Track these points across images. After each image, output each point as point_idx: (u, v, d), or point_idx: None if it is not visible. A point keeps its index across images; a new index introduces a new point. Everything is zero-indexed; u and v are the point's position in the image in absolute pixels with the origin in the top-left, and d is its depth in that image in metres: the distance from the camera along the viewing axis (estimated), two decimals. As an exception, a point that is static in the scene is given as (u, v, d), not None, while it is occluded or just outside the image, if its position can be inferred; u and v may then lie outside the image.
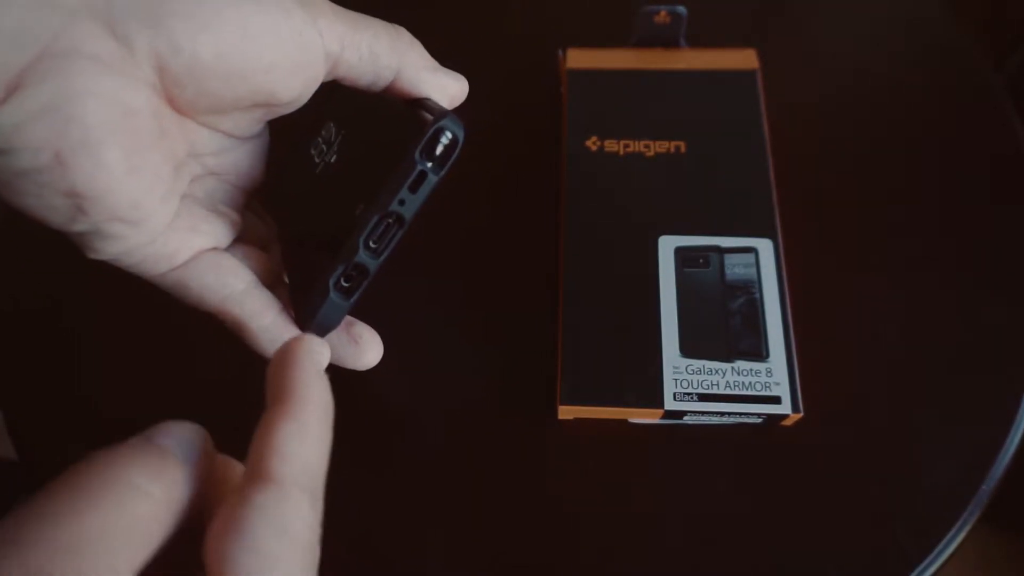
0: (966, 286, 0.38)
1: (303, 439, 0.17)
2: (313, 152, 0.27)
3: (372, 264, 0.25)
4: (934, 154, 0.42)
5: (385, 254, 0.25)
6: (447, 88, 0.26)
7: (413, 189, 0.24)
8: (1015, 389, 0.35)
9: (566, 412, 0.34)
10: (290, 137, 0.29)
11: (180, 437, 0.17)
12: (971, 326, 0.37)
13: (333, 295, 0.25)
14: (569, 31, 0.44)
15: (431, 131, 0.23)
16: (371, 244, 0.24)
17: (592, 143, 0.39)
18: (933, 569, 0.32)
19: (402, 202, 0.24)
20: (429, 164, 0.24)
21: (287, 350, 0.18)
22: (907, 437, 0.34)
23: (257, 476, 0.16)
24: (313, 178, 0.27)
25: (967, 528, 0.32)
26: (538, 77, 0.44)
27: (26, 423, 0.37)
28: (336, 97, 0.27)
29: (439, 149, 0.23)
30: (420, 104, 0.25)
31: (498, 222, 0.40)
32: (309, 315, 0.26)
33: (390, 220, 0.24)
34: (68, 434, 0.36)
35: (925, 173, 0.41)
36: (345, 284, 0.25)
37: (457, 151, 0.24)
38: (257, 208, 0.30)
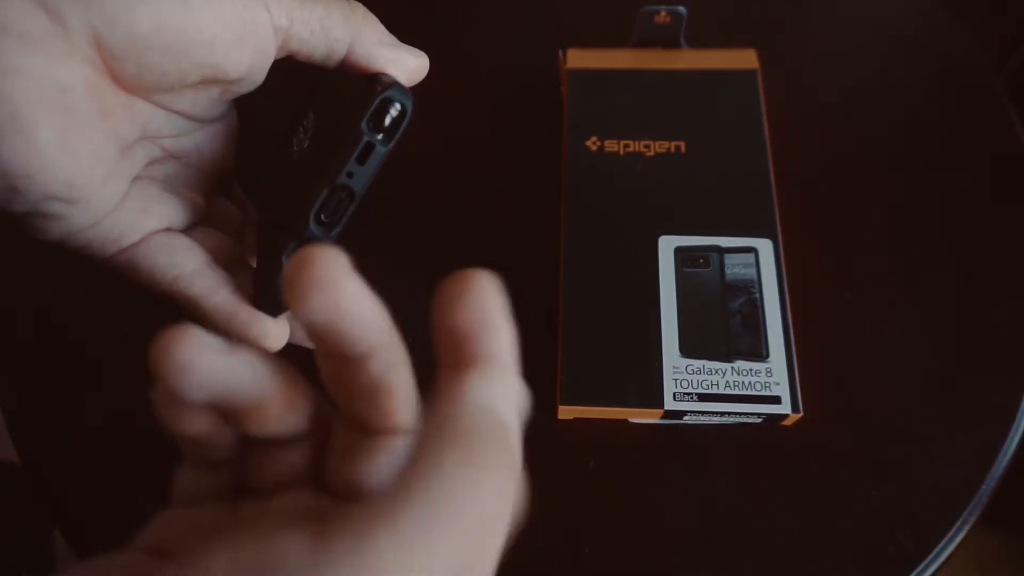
0: (966, 286, 0.38)
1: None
2: (294, 140, 0.27)
3: (325, 238, 0.25)
4: (934, 154, 0.42)
5: (338, 228, 0.25)
6: (404, 62, 0.25)
7: (361, 161, 0.24)
8: (1015, 389, 0.35)
9: (566, 412, 0.34)
10: (279, 128, 0.28)
11: None
12: (971, 326, 0.37)
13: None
14: (569, 31, 0.44)
15: (377, 101, 0.23)
16: (323, 218, 0.24)
17: (592, 143, 0.39)
18: (933, 569, 0.32)
19: (350, 174, 0.24)
20: (379, 136, 0.23)
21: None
22: (907, 437, 0.34)
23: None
24: (289, 165, 0.27)
25: (967, 528, 0.32)
26: (538, 77, 0.44)
27: (26, 423, 0.37)
28: (320, 85, 0.27)
29: (387, 120, 0.23)
30: (375, 76, 0.25)
31: (498, 222, 0.40)
32: (264, 291, 0.26)
33: (341, 194, 0.24)
34: (68, 434, 0.36)
35: (925, 173, 0.41)
36: None
37: (406, 121, 0.24)
38: (237, 195, 0.30)
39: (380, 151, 0.24)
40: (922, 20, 0.47)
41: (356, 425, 0.18)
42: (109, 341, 0.38)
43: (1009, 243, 0.39)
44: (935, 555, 0.32)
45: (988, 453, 0.34)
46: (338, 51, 0.25)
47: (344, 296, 0.15)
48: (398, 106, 0.23)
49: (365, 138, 0.23)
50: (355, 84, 0.25)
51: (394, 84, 0.23)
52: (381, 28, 0.25)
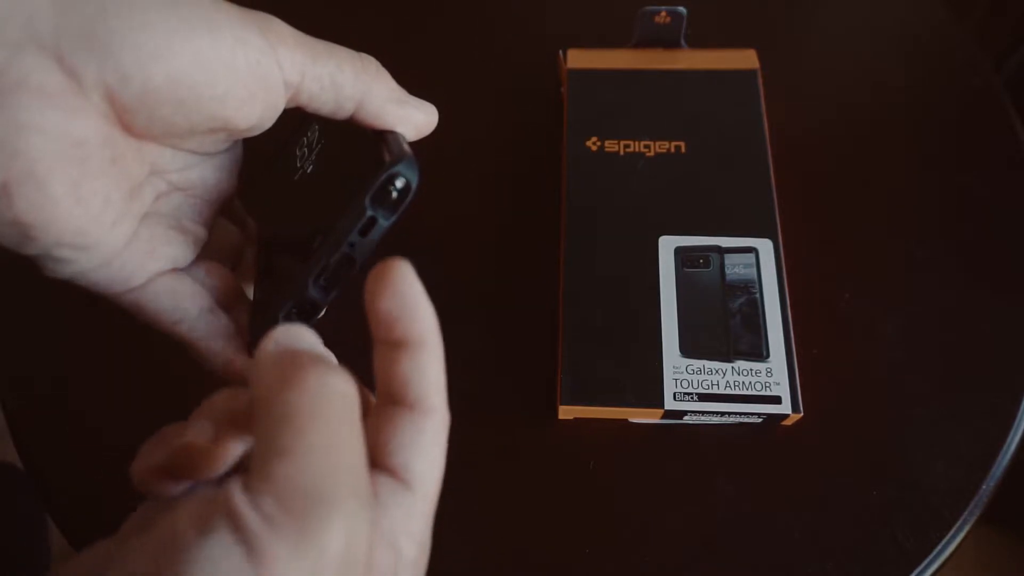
0: (966, 286, 0.38)
1: (441, 367, 0.21)
2: (297, 154, 0.27)
3: (323, 300, 0.25)
4: (934, 154, 0.42)
5: (336, 290, 0.25)
6: (412, 120, 0.26)
7: (363, 233, 0.24)
8: (1015, 389, 0.35)
9: (566, 412, 0.34)
10: (278, 131, 0.28)
11: None
12: (971, 326, 0.37)
13: None
14: (569, 31, 0.44)
15: (383, 178, 0.23)
16: (321, 282, 0.25)
17: (592, 143, 0.39)
18: (933, 569, 0.32)
19: (352, 245, 0.24)
20: (382, 210, 0.24)
21: (390, 278, 0.20)
22: (907, 437, 0.34)
23: (430, 407, 0.21)
24: (290, 185, 0.27)
25: (967, 528, 0.32)
26: (538, 77, 0.44)
27: (26, 424, 0.37)
28: None
29: (393, 194, 0.23)
30: (384, 138, 0.25)
31: (498, 222, 0.40)
32: (258, 340, 0.26)
33: (341, 261, 0.24)
34: (68, 435, 0.36)
35: (925, 173, 0.41)
36: (297, 318, 0.25)
37: (411, 196, 0.24)
38: (235, 212, 0.30)
39: (383, 224, 0.24)
40: (922, 20, 0.47)
41: (391, 401, 0.21)
42: (110, 341, 0.38)
43: (1009, 243, 0.39)
44: (935, 555, 0.32)
45: (988, 453, 0.34)
46: (347, 108, 0.25)
47: (410, 294, 0.20)
48: (403, 180, 0.23)
49: (368, 213, 0.23)
50: (361, 126, 0.25)
51: (402, 158, 0.23)
52: (391, 84, 0.26)
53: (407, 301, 0.20)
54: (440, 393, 0.21)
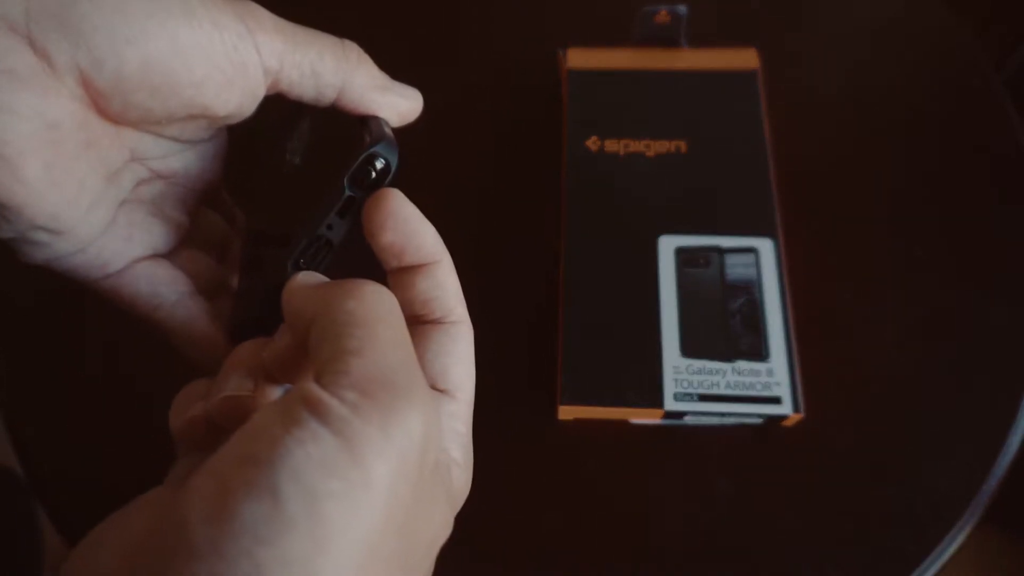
0: (966, 286, 0.38)
1: (456, 278, 0.23)
2: (288, 147, 0.27)
3: None
4: (934, 154, 0.42)
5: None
6: (396, 107, 0.26)
7: (341, 214, 0.24)
8: (1015, 389, 0.35)
9: (566, 412, 0.34)
10: (273, 124, 0.28)
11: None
12: (971, 327, 0.37)
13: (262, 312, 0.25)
14: (569, 31, 0.44)
15: (361, 158, 0.23)
16: (301, 264, 0.25)
17: (592, 143, 0.39)
18: (933, 569, 0.32)
19: (330, 227, 0.24)
20: (361, 191, 0.24)
21: (387, 210, 0.22)
22: (907, 437, 0.34)
23: (457, 318, 0.23)
24: (278, 176, 0.27)
25: (967, 528, 0.32)
26: (538, 77, 0.44)
27: (26, 423, 0.37)
28: None
29: (372, 175, 0.23)
30: (366, 123, 0.25)
31: (498, 222, 0.40)
32: (239, 330, 0.26)
33: (320, 243, 0.24)
34: (68, 434, 0.36)
35: (925, 173, 0.41)
36: (277, 304, 0.25)
37: (390, 176, 0.24)
38: (224, 202, 0.30)
39: (361, 204, 0.24)
40: (922, 20, 0.47)
41: (417, 323, 0.23)
42: (110, 340, 0.38)
43: (1009, 243, 0.39)
44: (935, 555, 0.32)
45: (988, 453, 0.34)
46: (328, 95, 0.25)
47: (410, 221, 0.22)
48: (383, 161, 0.23)
49: (347, 193, 0.23)
50: (349, 118, 0.25)
51: (381, 139, 0.23)
52: (374, 71, 0.25)
53: (409, 228, 0.22)
54: (461, 304, 0.23)
